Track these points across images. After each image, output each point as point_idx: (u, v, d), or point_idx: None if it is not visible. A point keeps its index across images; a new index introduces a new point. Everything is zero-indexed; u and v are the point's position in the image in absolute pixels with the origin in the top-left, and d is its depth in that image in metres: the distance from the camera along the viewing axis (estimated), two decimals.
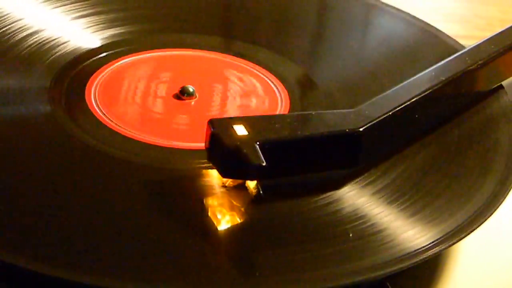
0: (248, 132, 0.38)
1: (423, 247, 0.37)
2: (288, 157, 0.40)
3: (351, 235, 0.38)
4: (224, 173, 0.39)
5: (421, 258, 0.37)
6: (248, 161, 0.37)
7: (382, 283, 0.39)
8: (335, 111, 0.43)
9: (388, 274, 0.37)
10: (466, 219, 0.39)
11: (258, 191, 0.39)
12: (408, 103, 0.43)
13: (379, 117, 0.42)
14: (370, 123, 0.41)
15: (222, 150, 0.38)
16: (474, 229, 0.39)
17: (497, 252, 0.44)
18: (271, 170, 0.38)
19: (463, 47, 0.53)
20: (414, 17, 0.56)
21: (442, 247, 0.38)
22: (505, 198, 0.41)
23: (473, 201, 0.41)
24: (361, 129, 0.41)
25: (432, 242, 0.38)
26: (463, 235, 0.38)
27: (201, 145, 0.40)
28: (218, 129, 0.38)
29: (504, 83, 0.50)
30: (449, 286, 0.41)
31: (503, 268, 0.43)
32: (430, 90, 0.44)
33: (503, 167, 0.43)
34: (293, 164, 0.40)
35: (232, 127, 0.39)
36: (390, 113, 0.42)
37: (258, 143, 0.38)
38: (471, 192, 0.41)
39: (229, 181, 0.40)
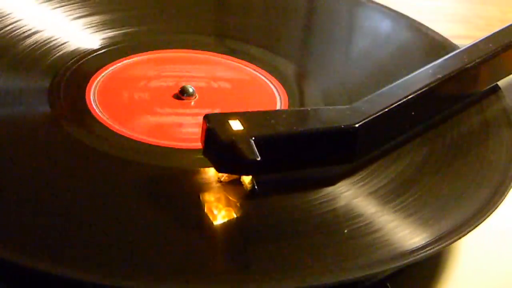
0: (244, 127, 0.39)
1: (420, 246, 0.37)
2: (283, 152, 0.40)
3: (346, 231, 0.38)
4: (219, 168, 0.39)
5: (418, 257, 0.37)
6: (243, 156, 0.37)
7: (382, 283, 0.39)
8: (331, 107, 0.43)
9: (383, 272, 0.37)
10: (464, 219, 0.39)
11: (253, 186, 0.39)
12: (405, 100, 0.43)
13: (375, 113, 0.42)
14: (366, 119, 0.41)
15: (217, 145, 0.38)
16: (472, 229, 0.39)
17: (497, 252, 0.44)
18: (266, 165, 0.38)
19: (449, 41, 0.53)
20: (401, 14, 0.57)
21: (440, 246, 0.38)
22: (503, 198, 0.41)
23: (471, 201, 0.41)
24: (356, 125, 0.41)
25: (430, 241, 0.38)
26: (460, 235, 0.38)
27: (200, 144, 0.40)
28: (214, 124, 0.38)
29: (502, 84, 0.50)
30: (449, 285, 0.41)
31: (503, 268, 0.43)
32: (427, 88, 0.44)
33: (501, 167, 0.43)
34: (288, 159, 0.40)
35: (228, 122, 0.39)
36: (387, 109, 0.42)
37: (253, 138, 0.38)
38: (470, 192, 0.41)
39: (224, 176, 0.40)
